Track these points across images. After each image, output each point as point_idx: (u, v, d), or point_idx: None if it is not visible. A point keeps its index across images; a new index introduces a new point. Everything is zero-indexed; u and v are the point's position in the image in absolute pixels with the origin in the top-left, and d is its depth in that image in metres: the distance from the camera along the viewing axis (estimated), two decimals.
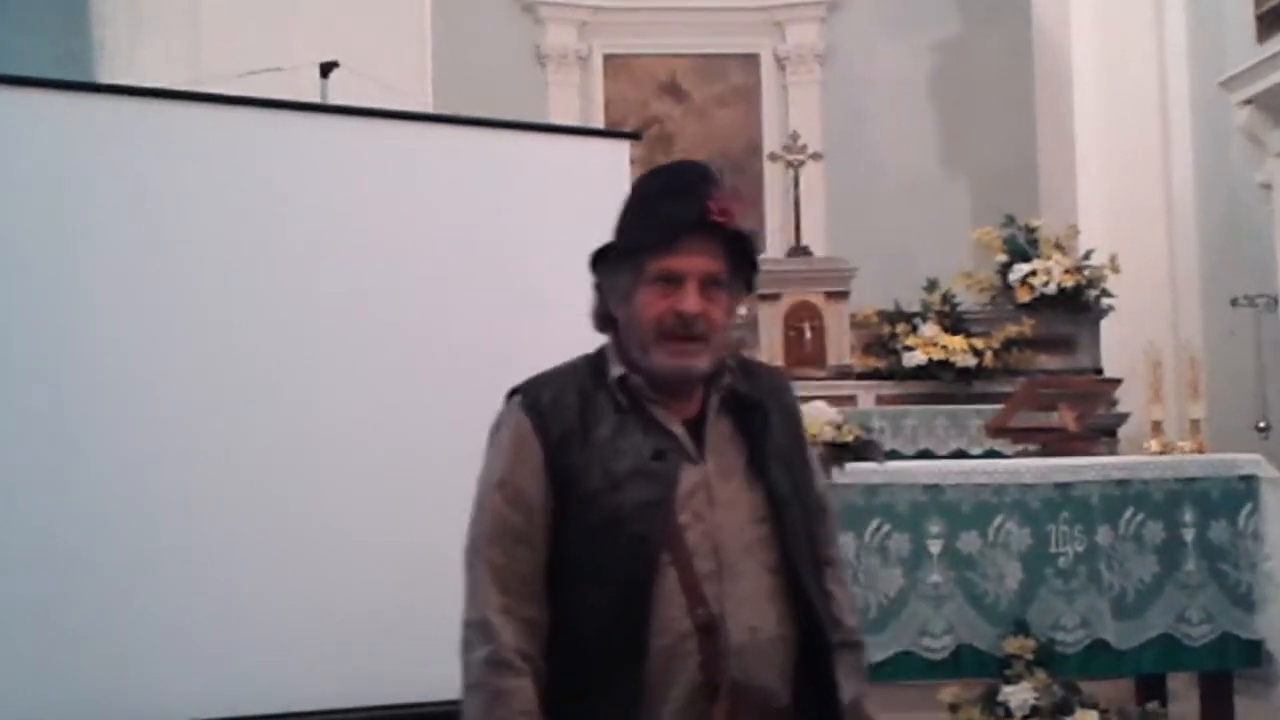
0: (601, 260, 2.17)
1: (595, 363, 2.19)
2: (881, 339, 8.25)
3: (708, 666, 2.01)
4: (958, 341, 8.02)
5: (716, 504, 2.08)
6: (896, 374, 8.11)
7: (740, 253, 2.13)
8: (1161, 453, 4.96)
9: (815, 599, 2.12)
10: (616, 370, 2.14)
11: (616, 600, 2.01)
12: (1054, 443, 4.92)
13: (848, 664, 2.21)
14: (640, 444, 2.08)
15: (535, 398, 2.13)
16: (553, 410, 2.11)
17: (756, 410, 2.17)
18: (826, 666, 2.12)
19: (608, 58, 10.54)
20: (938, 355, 7.99)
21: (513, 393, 2.19)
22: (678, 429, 2.11)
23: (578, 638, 2.04)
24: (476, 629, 2.04)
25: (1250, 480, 4.47)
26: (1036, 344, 8.15)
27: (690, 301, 2.07)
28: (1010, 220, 8.47)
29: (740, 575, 2.06)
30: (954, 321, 8.21)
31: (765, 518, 2.11)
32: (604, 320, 2.20)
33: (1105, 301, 8.20)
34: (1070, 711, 4.15)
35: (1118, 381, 6.34)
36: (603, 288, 2.18)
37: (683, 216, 2.07)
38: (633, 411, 2.11)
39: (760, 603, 2.06)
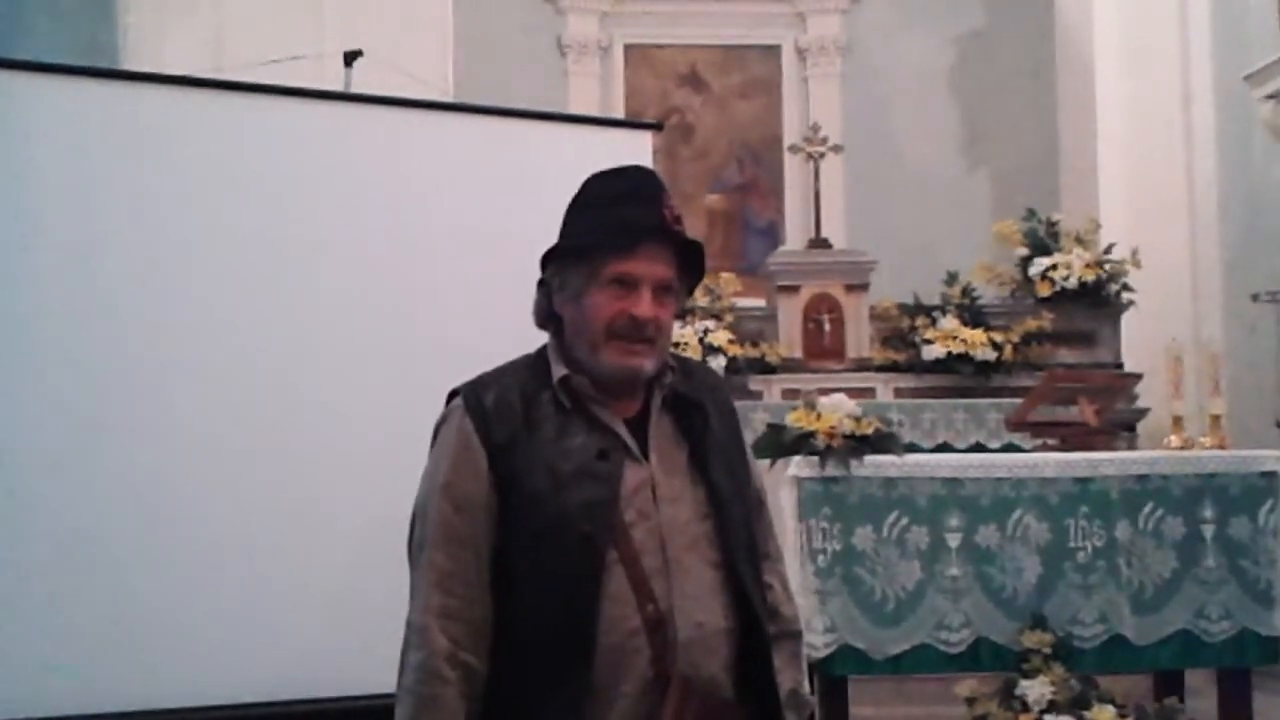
0: (552, 258, 2.18)
1: (536, 363, 2.20)
2: (901, 332, 8.25)
3: (658, 662, 2.04)
4: (977, 335, 8.01)
5: (661, 501, 2.11)
6: (916, 367, 8.11)
7: (688, 261, 2.17)
8: (1182, 448, 4.93)
9: (754, 592, 2.17)
10: (559, 370, 2.15)
11: (564, 599, 2.03)
12: (1073, 437, 4.90)
13: (786, 653, 2.27)
14: (584, 444, 2.10)
15: (478, 400, 2.14)
16: (496, 412, 2.12)
17: (697, 409, 2.21)
18: (765, 657, 2.17)
19: (628, 48, 10.56)
20: (957, 349, 7.98)
21: (453, 394, 2.20)
22: (620, 428, 2.13)
23: (525, 637, 2.06)
24: (416, 632, 2.07)
25: (1271, 476, 4.44)
26: (1056, 338, 8.15)
27: (644, 306, 2.11)
28: (1031, 214, 8.46)
29: (686, 571, 2.08)
30: (974, 315, 8.20)
31: (708, 514, 2.14)
32: (546, 318, 2.21)
33: (1126, 296, 8.18)
34: (1088, 706, 4.13)
35: (1138, 377, 6.33)
36: (550, 285, 2.18)
37: (644, 222, 2.11)
38: (575, 412, 2.13)
39: (705, 597, 2.09)
